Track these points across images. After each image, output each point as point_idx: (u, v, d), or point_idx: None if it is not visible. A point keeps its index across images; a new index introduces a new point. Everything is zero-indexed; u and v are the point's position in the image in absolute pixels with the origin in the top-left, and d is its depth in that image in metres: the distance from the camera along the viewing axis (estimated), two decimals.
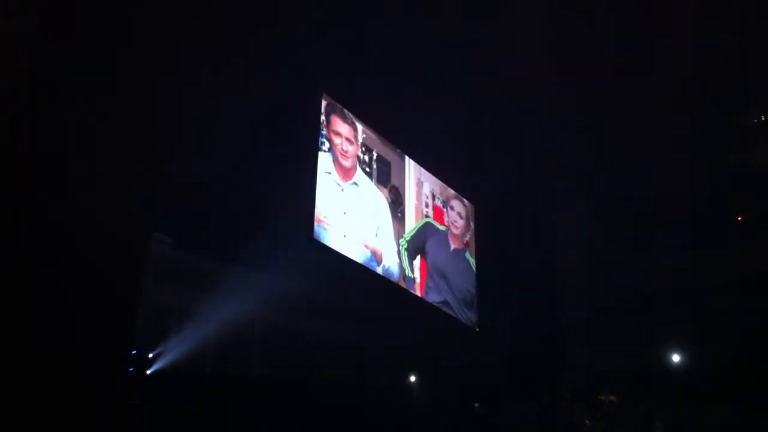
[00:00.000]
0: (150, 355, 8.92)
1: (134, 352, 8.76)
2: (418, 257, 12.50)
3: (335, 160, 11.10)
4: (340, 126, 11.39)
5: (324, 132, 11.01)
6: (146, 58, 7.72)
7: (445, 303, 12.93)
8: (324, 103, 11.09)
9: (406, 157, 12.79)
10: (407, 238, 12.26)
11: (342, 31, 10.39)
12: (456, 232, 13.75)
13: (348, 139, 11.43)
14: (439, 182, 13.61)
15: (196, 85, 8.77)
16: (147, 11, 7.61)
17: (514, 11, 10.94)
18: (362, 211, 11.43)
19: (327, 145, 10.99)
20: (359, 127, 11.74)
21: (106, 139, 6.99)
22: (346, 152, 11.32)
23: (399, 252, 12.01)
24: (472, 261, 13.95)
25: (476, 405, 11.15)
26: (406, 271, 12.11)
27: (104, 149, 6.96)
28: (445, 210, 13.61)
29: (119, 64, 7.41)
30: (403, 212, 12.38)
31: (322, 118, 11.03)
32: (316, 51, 10.43)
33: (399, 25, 10.69)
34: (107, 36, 7.08)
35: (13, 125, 5.48)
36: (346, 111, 11.46)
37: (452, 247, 13.55)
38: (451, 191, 13.82)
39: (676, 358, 11.86)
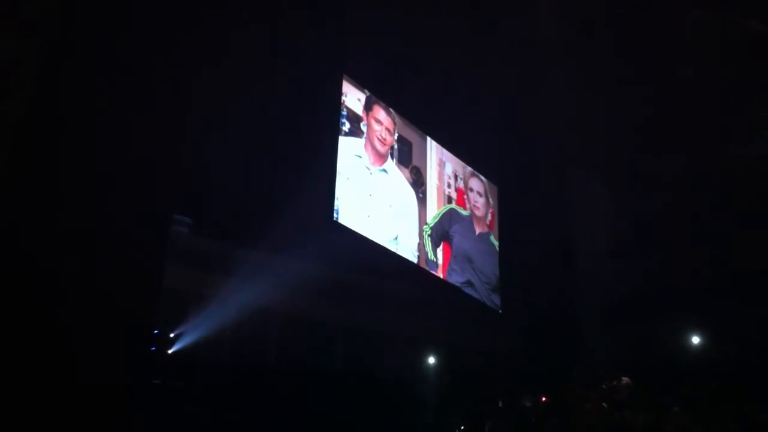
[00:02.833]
0: (171, 335, 9.03)
1: (156, 331, 8.89)
2: (442, 243, 12.49)
3: (368, 146, 11.24)
4: (382, 115, 11.60)
5: (361, 118, 11.18)
6: (169, 40, 7.73)
7: (469, 285, 12.89)
8: (364, 94, 11.28)
9: (428, 138, 12.72)
10: (431, 225, 12.25)
11: (362, 12, 10.28)
12: (478, 213, 13.68)
13: (388, 129, 11.63)
14: (461, 162, 13.52)
15: (218, 68, 8.78)
16: None
17: None
18: (388, 195, 11.45)
19: (361, 130, 11.14)
20: (396, 117, 11.85)
21: (125, 122, 7.02)
22: (384, 140, 11.53)
23: (422, 237, 12.00)
24: (496, 244, 13.89)
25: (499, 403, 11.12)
26: (429, 255, 12.10)
27: (123, 133, 7.00)
28: (465, 191, 13.54)
29: (140, 46, 7.44)
30: (424, 193, 12.34)
31: (358, 103, 11.16)
32: (338, 33, 10.37)
33: (420, 5, 10.56)
34: (126, 20, 7.09)
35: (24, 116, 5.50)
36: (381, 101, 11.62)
37: (477, 231, 13.50)
38: (469, 169, 13.74)
39: (694, 344, 11.74)
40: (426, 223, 12.17)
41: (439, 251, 12.38)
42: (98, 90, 6.73)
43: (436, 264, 12.26)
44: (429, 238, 12.15)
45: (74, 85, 6.44)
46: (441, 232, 12.51)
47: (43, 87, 5.35)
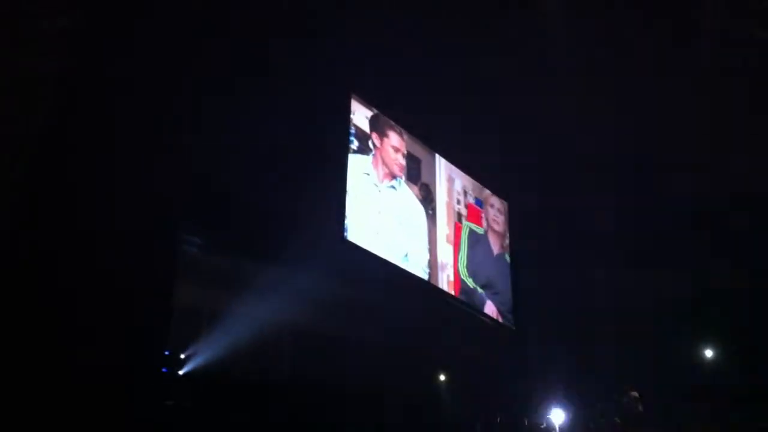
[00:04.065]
0: (182, 356, 8.97)
1: (167, 352, 8.83)
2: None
3: (377, 163, 11.26)
4: (390, 133, 11.69)
5: (371, 136, 11.25)
6: (179, 57, 7.79)
7: (483, 303, 12.85)
8: (371, 111, 11.37)
9: (436, 155, 12.72)
10: (465, 263, 12.49)
11: (369, 30, 10.33)
12: (498, 229, 13.69)
13: (396, 146, 11.70)
14: (470, 179, 13.51)
15: (228, 85, 8.83)
16: (181, 13, 7.67)
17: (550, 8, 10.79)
18: (397, 212, 11.45)
19: (370, 147, 11.19)
20: (404, 135, 11.91)
21: (136, 139, 7.05)
22: (392, 157, 11.57)
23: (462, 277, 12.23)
24: (509, 260, 13.86)
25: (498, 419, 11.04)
26: (469, 285, 12.42)
27: (134, 150, 7.02)
28: (483, 209, 13.52)
29: (155, 63, 7.49)
30: (434, 209, 12.32)
31: (366, 122, 11.23)
32: (346, 50, 10.41)
33: (427, 22, 10.60)
34: (142, 37, 7.15)
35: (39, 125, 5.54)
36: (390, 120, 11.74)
37: (495, 252, 13.50)
38: (487, 190, 13.73)
39: (707, 357, 11.64)
40: (462, 266, 12.41)
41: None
42: (113, 108, 6.79)
43: (476, 291, 12.57)
44: (468, 274, 12.32)
45: (91, 102, 6.50)
46: (473, 259, 12.65)
47: (61, 105, 5.39)
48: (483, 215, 13.47)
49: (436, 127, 12.33)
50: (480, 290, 12.77)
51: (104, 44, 6.45)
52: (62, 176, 6.43)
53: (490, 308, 12.93)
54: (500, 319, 13.15)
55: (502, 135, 12.58)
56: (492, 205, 13.76)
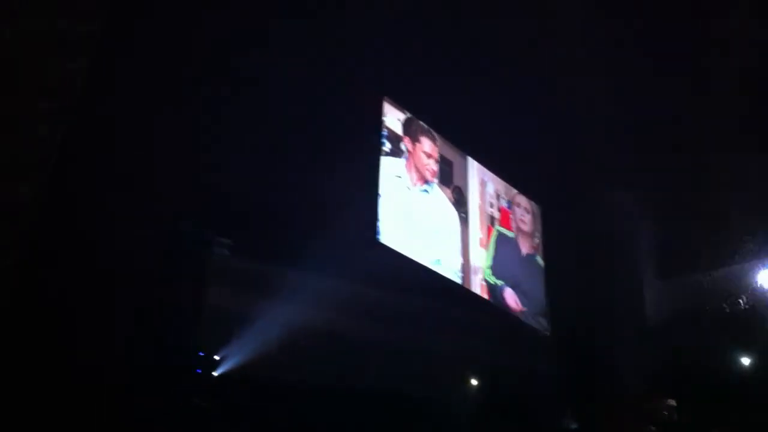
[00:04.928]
0: (216, 357, 9.07)
1: (201, 354, 8.95)
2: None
3: (409, 166, 11.25)
4: (422, 136, 11.69)
5: (403, 139, 11.24)
6: (211, 61, 7.90)
7: (516, 306, 12.76)
8: (404, 114, 11.38)
9: (468, 158, 12.67)
10: (489, 264, 12.31)
11: (402, 31, 10.34)
12: (525, 229, 13.54)
13: (428, 149, 11.68)
14: (504, 182, 13.42)
15: (257, 87, 8.91)
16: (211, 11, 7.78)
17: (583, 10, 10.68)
18: (430, 215, 11.41)
19: (402, 151, 11.19)
20: (437, 139, 11.89)
21: (165, 144, 7.16)
22: (425, 165, 11.55)
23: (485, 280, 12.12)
24: (542, 263, 13.70)
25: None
26: (494, 285, 12.25)
27: (162, 154, 7.13)
28: (511, 210, 13.41)
29: (179, 65, 7.60)
30: (467, 213, 12.26)
31: (399, 125, 11.25)
32: (378, 53, 10.43)
33: (459, 24, 10.57)
34: (165, 40, 7.25)
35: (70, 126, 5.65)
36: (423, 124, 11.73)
37: (523, 252, 13.35)
38: (513, 189, 13.64)
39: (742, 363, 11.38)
40: (487, 268, 12.20)
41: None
42: (137, 113, 6.90)
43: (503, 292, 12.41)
44: (492, 275, 12.19)
45: (114, 106, 6.62)
46: (499, 261, 12.52)
47: (85, 107, 5.51)
48: (511, 216, 13.36)
49: (468, 130, 12.25)
50: (506, 292, 12.66)
51: (125, 45, 6.56)
52: (84, 180, 6.55)
53: (518, 311, 12.80)
54: (533, 324, 13.00)
55: (537, 137, 12.44)
56: (519, 205, 13.59)
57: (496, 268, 12.50)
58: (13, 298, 5.51)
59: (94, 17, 5.61)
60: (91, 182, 6.49)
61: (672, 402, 9.93)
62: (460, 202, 12.13)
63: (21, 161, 5.24)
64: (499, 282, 12.47)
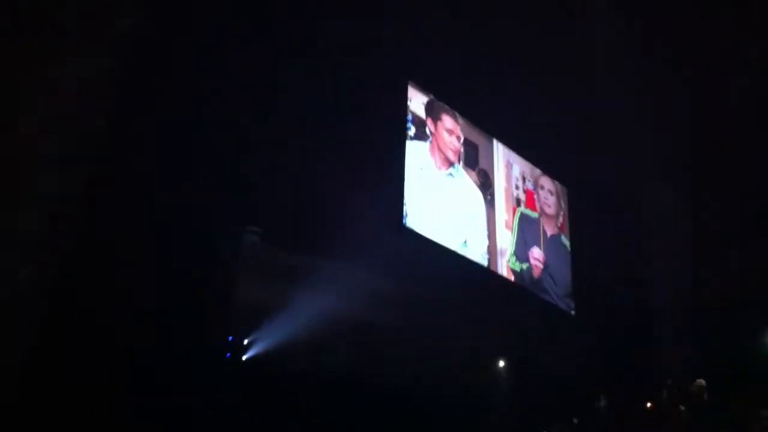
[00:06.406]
0: (245, 342, 9.16)
1: (230, 338, 9.05)
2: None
3: (434, 150, 11.20)
4: (446, 118, 11.59)
5: (426, 122, 11.16)
6: (240, 58, 7.92)
7: (543, 289, 12.75)
8: (428, 97, 11.28)
9: (494, 140, 12.59)
10: (513, 252, 12.29)
11: (427, 16, 10.25)
12: (549, 211, 13.47)
13: (453, 132, 11.60)
14: (529, 164, 13.34)
15: (287, 78, 8.91)
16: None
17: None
18: (455, 199, 11.39)
19: (426, 134, 11.13)
20: (459, 118, 11.80)
21: (196, 136, 7.21)
22: (449, 143, 11.47)
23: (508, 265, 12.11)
24: (568, 244, 13.66)
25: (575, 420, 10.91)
26: (518, 269, 12.26)
27: (194, 146, 7.18)
28: (535, 191, 13.34)
29: (213, 63, 7.64)
30: (492, 195, 12.21)
31: (423, 107, 11.17)
32: (402, 38, 10.35)
33: (486, 7, 10.46)
34: (199, 37, 7.28)
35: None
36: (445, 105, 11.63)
37: (549, 233, 13.30)
38: (538, 170, 13.56)
39: None
40: (511, 255, 12.23)
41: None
42: (175, 107, 6.94)
43: (530, 273, 12.46)
44: (516, 261, 12.16)
45: (153, 102, 6.67)
46: (522, 245, 12.51)
47: (123, 103, 5.56)
48: (535, 197, 13.30)
49: (494, 112, 12.16)
50: (531, 272, 12.65)
51: (172, 44, 6.60)
52: (123, 172, 6.64)
53: (544, 293, 12.80)
54: (560, 305, 12.99)
55: (562, 118, 12.32)
56: (542, 187, 13.52)
57: (520, 249, 12.47)
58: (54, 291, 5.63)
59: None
60: (130, 175, 6.59)
61: (702, 382, 9.83)
62: (485, 184, 12.08)
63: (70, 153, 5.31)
64: (524, 266, 12.46)
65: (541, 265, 12.80)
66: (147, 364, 7.61)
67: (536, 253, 12.81)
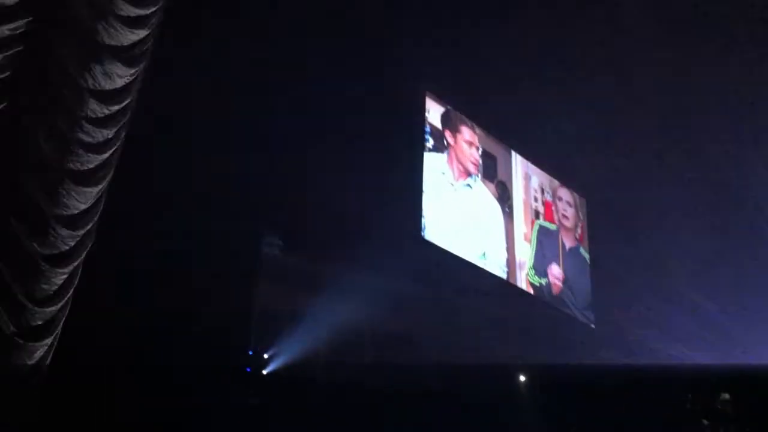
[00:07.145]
0: (266, 356, 9.10)
1: (251, 352, 8.99)
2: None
3: (452, 161, 11.16)
4: (464, 130, 11.55)
5: (444, 133, 11.15)
6: (257, 63, 7.96)
7: (561, 301, 12.62)
8: (446, 109, 11.27)
9: (512, 152, 12.54)
10: (532, 265, 12.20)
11: (444, 27, 10.28)
12: (567, 224, 13.38)
13: (471, 143, 11.57)
14: (547, 175, 13.27)
15: (304, 88, 8.94)
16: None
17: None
18: (473, 210, 11.35)
19: (444, 145, 11.11)
20: (477, 129, 11.78)
21: (220, 143, 7.23)
22: (467, 156, 11.43)
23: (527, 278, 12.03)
24: (587, 256, 13.54)
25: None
26: (537, 282, 12.18)
27: (217, 154, 7.20)
28: (553, 202, 13.26)
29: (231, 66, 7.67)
30: (511, 207, 12.15)
31: (440, 119, 11.15)
32: (420, 50, 10.37)
33: (502, 19, 10.46)
34: (216, 41, 7.32)
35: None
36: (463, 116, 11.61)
37: (567, 245, 13.20)
38: (556, 181, 13.48)
39: None
40: (530, 268, 12.13)
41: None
42: (192, 111, 6.98)
43: (550, 288, 12.34)
44: (535, 275, 12.08)
45: (171, 108, 6.70)
46: (541, 259, 12.40)
47: (141, 106, 5.58)
48: (553, 209, 13.21)
49: (512, 124, 12.12)
50: (551, 288, 12.53)
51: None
52: (141, 178, 6.64)
53: (564, 306, 12.67)
54: (579, 318, 12.85)
55: (582, 131, 12.26)
56: (560, 198, 13.43)
57: (539, 263, 12.37)
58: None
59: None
60: (149, 177, 6.61)
61: (726, 396, 9.68)
62: (503, 196, 12.02)
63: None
64: (543, 280, 12.35)
65: (560, 284, 12.69)
66: (165, 378, 7.55)
67: (555, 271, 12.70)
